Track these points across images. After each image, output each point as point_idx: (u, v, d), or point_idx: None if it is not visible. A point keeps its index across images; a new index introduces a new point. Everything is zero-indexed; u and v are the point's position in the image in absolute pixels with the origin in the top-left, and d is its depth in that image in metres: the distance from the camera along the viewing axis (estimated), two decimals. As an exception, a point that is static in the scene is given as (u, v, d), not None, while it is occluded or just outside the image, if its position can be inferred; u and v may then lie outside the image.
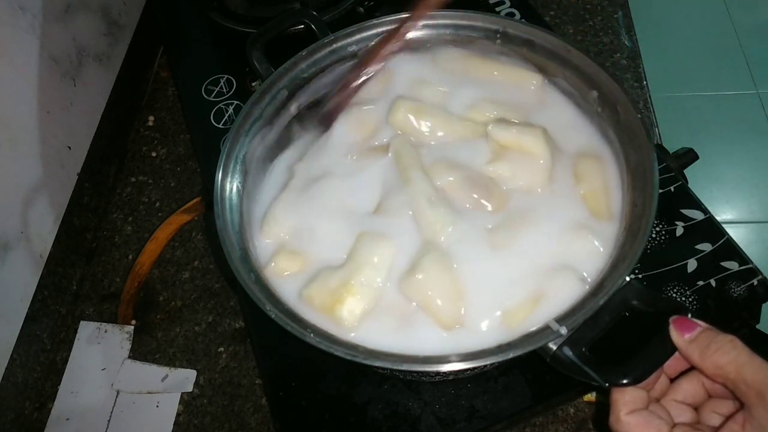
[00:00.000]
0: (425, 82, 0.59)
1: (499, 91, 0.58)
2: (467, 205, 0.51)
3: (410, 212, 0.51)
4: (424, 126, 0.56)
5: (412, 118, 0.56)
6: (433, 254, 0.48)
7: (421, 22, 0.61)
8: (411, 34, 0.61)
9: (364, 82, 0.59)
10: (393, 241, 0.50)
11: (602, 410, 0.58)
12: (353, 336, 0.47)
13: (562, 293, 0.46)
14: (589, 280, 0.47)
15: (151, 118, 0.91)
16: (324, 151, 0.58)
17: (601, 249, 0.48)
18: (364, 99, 0.60)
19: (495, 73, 0.59)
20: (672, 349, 0.41)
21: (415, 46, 0.61)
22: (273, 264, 0.51)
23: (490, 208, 0.51)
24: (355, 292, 0.47)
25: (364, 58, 0.59)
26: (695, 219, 0.60)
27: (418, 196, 0.51)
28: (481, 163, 0.53)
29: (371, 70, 0.59)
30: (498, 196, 0.52)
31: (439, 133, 0.56)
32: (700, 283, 0.56)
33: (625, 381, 0.41)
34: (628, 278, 0.43)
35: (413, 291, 0.47)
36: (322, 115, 0.58)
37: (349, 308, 0.47)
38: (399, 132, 0.56)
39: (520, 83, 0.58)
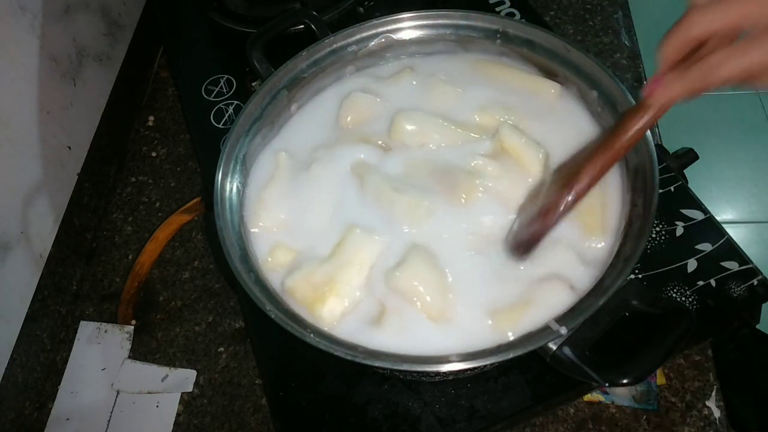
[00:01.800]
0: (443, 81, 0.60)
1: (513, 97, 0.58)
2: (435, 192, 0.52)
3: (386, 208, 0.52)
4: (422, 136, 0.56)
5: (409, 129, 0.56)
6: (418, 249, 0.49)
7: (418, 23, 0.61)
8: (411, 34, 0.62)
9: (570, 206, 0.45)
10: (380, 237, 0.50)
11: (602, 410, 0.58)
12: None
13: (551, 299, 0.46)
14: (578, 288, 0.47)
15: (151, 118, 0.91)
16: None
17: (586, 271, 0.48)
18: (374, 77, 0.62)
19: (514, 79, 0.59)
20: (671, 350, 0.41)
21: (435, 46, 0.62)
22: (270, 259, 0.51)
23: (462, 197, 0.52)
24: (338, 292, 0.48)
25: (571, 180, 0.45)
26: (695, 219, 0.60)
27: (382, 191, 0.52)
28: (466, 157, 0.54)
29: (581, 192, 0.45)
30: (466, 188, 0.52)
31: (437, 140, 0.56)
32: (700, 283, 0.56)
33: (625, 381, 0.41)
34: (628, 278, 0.43)
35: (401, 283, 0.48)
36: (519, 242, 0.48)
37: (329, 308, 0.47)
38: (399, 142, 0.57)
39: (537, 91, 0.58)
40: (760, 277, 0.56)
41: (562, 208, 0.45)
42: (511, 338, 0.45)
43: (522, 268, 0.49)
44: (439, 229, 0.50)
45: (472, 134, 0.56)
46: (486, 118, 0.57)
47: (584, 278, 0.47)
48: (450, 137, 0.56)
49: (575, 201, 0.45)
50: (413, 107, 0.58)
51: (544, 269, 0.48)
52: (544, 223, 0.46)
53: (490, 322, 0.46)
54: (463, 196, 0.51)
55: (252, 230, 0.53)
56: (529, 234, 0.47)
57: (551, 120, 0.56)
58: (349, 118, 0.59)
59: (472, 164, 0.53)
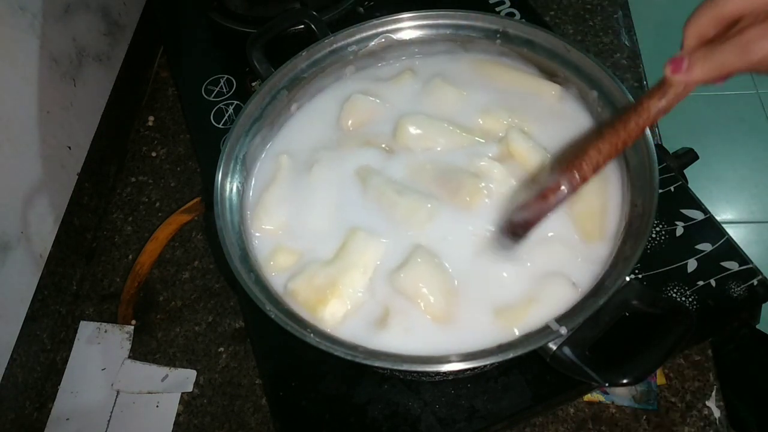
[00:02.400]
0: (446, 83, 0.60)
1: (515, 99, 0.58)
2: (438, 194, 0.52)
3: (388, 211, 0.52)
4: (427, 140, 0.56)
5: (414, 133, 0.56)
6: (422, 251, 0.49)
7: (419, 22, 0.61)
8: (410, 34, 0.62)
9: (574, 188, 0.42)
10: (384, 240, 0.50)
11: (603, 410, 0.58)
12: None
13: (555, 297, 0.46)
14: (580, 286, 0.47)
15: (151, 118, 0.91)
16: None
17: (588, 268, 0.48)
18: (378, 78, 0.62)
19: (514, 81, 0.60)
20: (671, 350, 0.41)
21: (436, 46, 0.62)
22: (272, 263, 0.51)
23: (467, 199, 0.52)
24: (340, 294, 0.48)
25: (577, 160, 0.41)
26: (695, 219, 0.60)
27: (384, 194, 0.52)
28: (471, 159, 0.54)
29: (587, 172, 0.41)
30: (470, 190, 0.52)
31: (442, 143, 0.56)
32: (700, 283, 0.56)
33: (625, 381, 0.41)
34: (628, 278, 0.43)
35: (405, 285, 0.48)
36: (514, 224, 0.45)
37: (331, 311, 0.47)
38: (403, 145, 0.57)
39: (538, 93, 0.58)
40: (760, 277, 0.56)
41: (565, 189, 0.41)
42: (518, 336, 0.45)
43: (529, 265, 0.49)
44: (443, 230, 0.50)
45: (477, 138, 0.56)
46: (490, 121, 0.57)
47: (586, 276, 0.47)
48: (455, 141, 0.56)
49: (580, 182, 0.41)
50: (415, 110, 0.58)
51: (547, 266, 0.48)
52: (543, 205, 0.42)
53: (495, 321, 0.46)
54: (467, 198, 0.51)
55: (254, 233, 0.53)
56: (526, 216, 0.43)
57: (553, 122, 0.56)
58: (350, 121, 0.59)
59: (478, 166, 0.53)
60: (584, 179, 0.41)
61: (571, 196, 0.42)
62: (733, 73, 0.34)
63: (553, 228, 0.50)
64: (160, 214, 0.81)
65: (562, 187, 0.41)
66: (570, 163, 0.42)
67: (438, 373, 0.53)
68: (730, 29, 0.34)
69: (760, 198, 1.65)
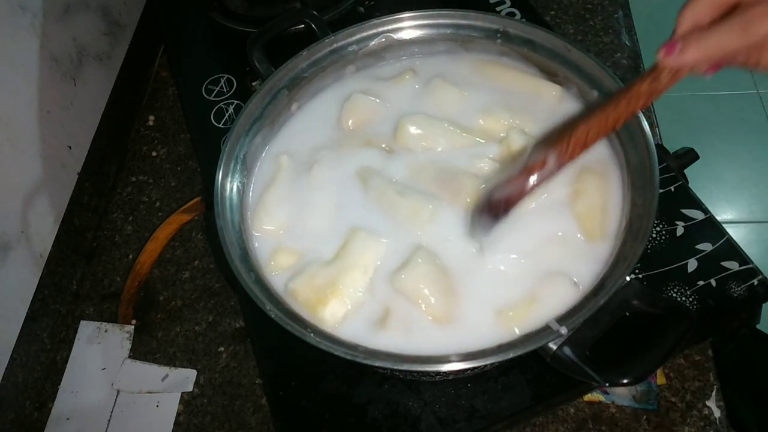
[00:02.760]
0: (446, 83, 0.60)
1: (516, 99, 0.58)
2: (439, 195, 0.52)
3: (389, 212, 0.52)
4: (428, 141, 0.56)
5: (414, 133, 0.56)
6: (422, 251, 0.49)
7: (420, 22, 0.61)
8: (411, 34, 0.62)
9: (559, 165, 0.41)
10: (384, 240, 0.50)
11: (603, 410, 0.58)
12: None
13: (556, 296, 0.46)
14: (581, 285, 0.47)
15: (151, 117, 0.91)
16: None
17: (588, 267, 0.48)
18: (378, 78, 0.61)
19: (515, 81, 0.60)
20: (671, 350, 0.41)
21: (437, 46, 0.62)
22: (273, 263, 0.51)
23: (467, 201, 0.51)
24: (340, 294, 0.48)
25: (563, 138, 0.41)
26: (695, 219, 0.60)
27: (385, 195, 0.52)
28: (472, 160, 0.54)
29: (573, 151, 0.41)
30: (471, 191, 0.52)
31: (442, 143, 0.56)
32: (701, 283, 0.56)
33: (625, 381, 0.41)
34: (628, 278, 0.43)
35: (405, 285, 0.48)
36: (494, 201, 0.44)
37: (332, 311, 0.48)
38: (403, 145, 0.57)
39: (539, 93, 0.58)
40: (760, 277, 0.56)
41: (551, 165, 0.41)
42: (518, 336, 0.45)
43: (531, 264, 0.48)
44: (444, 231, 0.51)
45: (477, 139, 0.56)
46: (490, 122, 0.57)
47: (587, 275, 0.47)
48: (456, 141, 0.56)
49: (567, 159, 0.40)
50: (416, 110, 0.58)
51: (549, 265, 0.48)
52: (527, 180, 0.41)
53: (496, 321, 0.46)
54: (468, 199, 0.51)
55: (254, 233, 0.53)
56: (509, 192, 0.42)
57: (553, 122, 0.56)
58: (350, 121, 0.59)
59: (478, 167, 0.53)
60: (571, 156, 0.40)
61: (556, 173, 0.41)
62: (727, 58, 0.33)
63: (556, 226, 0.50)
64: (160, 214, 0.81)
65: (548, 163, 0.41)
66: (558, 139, 0.41)
67: (438, 373, 0.53)
68: (724, 17, 0.33)
69: (760, 198, 1.65)
